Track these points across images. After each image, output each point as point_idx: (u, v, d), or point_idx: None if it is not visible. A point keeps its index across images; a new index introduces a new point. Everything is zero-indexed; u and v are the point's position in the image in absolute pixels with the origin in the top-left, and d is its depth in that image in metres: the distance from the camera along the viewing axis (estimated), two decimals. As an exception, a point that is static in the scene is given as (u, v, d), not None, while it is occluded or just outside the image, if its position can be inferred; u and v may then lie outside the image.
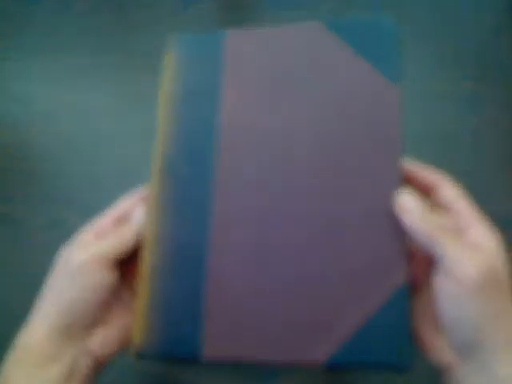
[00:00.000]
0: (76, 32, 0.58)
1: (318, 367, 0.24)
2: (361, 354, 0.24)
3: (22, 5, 0.60)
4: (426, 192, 0.27)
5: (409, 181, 0.28)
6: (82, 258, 0.26)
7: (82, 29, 0.58)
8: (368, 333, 0.24)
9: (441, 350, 0.24)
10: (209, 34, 0.29)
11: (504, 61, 0.54)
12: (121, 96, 0.54)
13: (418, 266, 0.26)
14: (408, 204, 0.24)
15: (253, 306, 0.25)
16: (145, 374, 0.42)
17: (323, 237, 0.25)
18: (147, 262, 0.27)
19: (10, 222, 0.49)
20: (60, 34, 0.58)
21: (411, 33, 0.57)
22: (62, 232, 0.49)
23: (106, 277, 0.26)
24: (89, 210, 0.50)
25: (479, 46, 0.55)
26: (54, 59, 0.57)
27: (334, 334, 0.24)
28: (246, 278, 0.25)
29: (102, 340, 0.27)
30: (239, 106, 0.27)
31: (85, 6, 0.60)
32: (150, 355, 0.26)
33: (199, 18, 0.58)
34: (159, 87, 0.30)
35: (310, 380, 0.42)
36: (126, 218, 0.29)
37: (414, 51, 0.55)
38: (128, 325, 0.28)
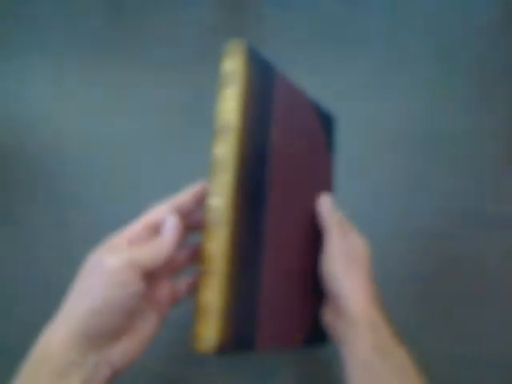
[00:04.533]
0: (76, 33, 0.58)
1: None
2: (317, 338, 0.38)
3: (22, 6, 0.60)
4: None
5: None
6: (116, 263, 0.25)
7: (81, 29, 0.58)
8: (317, 322, 0.37)
9: (328, 317, 0.35)
10: (267, 63, 0.33)
11: (504, 61, 0.55)
12: (121, 96, 0.54)
13: None
14: (326, 202, 0.37)
15: (281, 307, 0.34)
16: (147, 373, 0.42)
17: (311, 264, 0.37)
18: (224, 266, 0.28)
19: (14, 223, 0.49)
20: (60, 35, 0.58)
21: (412, 34, 0.57)
22: (66, 232, 0.49)
23: (137, 286, 0.25)
24: (93, 210, 0.50)
25: (479, 46, 0.56)
26: (55, 59, 0.57)
27: (307, 326, 0.37)
28: (282, 287, 0.34)
29: (123, 350, 0.26)
30: (280, 143, 0.34)
31: (85, 7, 0.60)
32: (228, 350, 0.28)
33: (199, 16, 0.58)
34: (226, 88, 0.30)
35: (305, 378, 0.42)
36: (158, 227, 0.29)
37: (414, 52, 0.56)
38: (148, 335, 0.28)
